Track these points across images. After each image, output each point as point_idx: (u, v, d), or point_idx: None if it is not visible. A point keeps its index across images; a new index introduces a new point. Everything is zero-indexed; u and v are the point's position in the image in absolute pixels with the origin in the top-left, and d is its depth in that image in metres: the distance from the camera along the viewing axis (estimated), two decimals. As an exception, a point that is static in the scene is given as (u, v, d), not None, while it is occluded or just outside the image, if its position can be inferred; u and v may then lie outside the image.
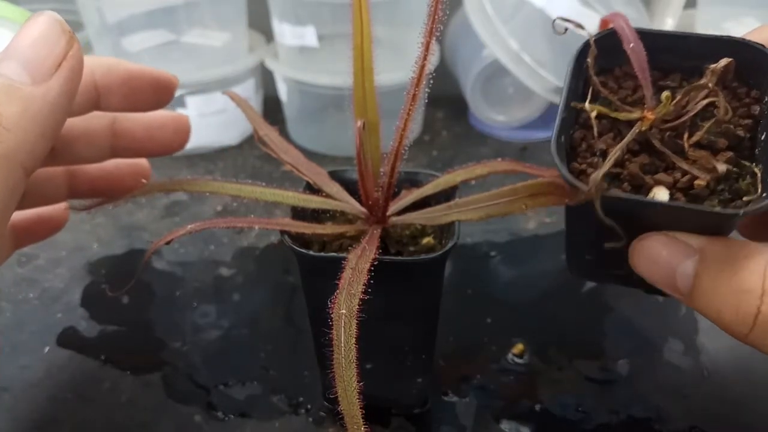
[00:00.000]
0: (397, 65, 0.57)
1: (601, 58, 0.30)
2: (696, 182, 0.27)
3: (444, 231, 0.34)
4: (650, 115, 0.28)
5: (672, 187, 0.27)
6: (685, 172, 0.27)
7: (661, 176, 0.28)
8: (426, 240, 0.34)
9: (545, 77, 0.65)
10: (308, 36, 0.65)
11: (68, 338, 0.45)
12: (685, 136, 0.28)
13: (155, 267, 0.52)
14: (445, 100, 0.76)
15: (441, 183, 0.35)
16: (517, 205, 0.30)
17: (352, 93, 0.32)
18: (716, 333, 0.43)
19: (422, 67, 0.29)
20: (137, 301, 0.48)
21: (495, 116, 0.72)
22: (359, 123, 0.29)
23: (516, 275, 0.51)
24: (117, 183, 0.40)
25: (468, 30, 0.66)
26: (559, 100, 0.30)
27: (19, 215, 0.39)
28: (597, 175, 0.26)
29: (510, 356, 0.43)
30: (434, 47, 0.30)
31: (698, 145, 0.28)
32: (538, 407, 0.39)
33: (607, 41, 0.30)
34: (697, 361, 0.42)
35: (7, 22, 0.55)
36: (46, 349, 0.44)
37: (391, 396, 0.38)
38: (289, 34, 0.65)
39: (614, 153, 0.27)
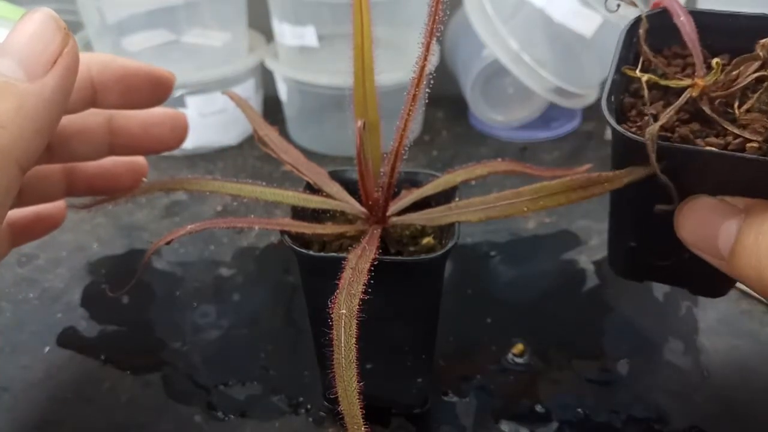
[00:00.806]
0: (398, 65, 0.57)
1: (651, 38, 0.30)
2: (748, 145, 0.26)
3: (444, 231, 0.34)
4: (701, 82, 0.28)
5: (723, 149, 0.27)
6: (736, 136, 0.27)
7: (711, 140, 0.27)
8: (426, 240, 0.34)
9: (545, 77, 0.65)
10: (308, 36, 0.65)
11: (68, 338, 0.45)
12: (736, 104, 0.28)
13: (155, 267, 0.52)
14: (445, 100, 0.76)
15: (441, 183, 0.35)
16: (517, 207, 0.30)
17: (352, 93, 0.32)
18: (716, 333, 0.44)
19: (422, 67, 0.29)
20: (137, 301, 0.48)
21: (495, 116, 0.72)
22: (359, 123, 0.29)
23: (516, 275, 0.51)
24: (114, 181, 0.40)
25: (468, 30, 0.66)
26: (608, 70, 0.30)
27: (16, 213, 0.39)
28: (654, 127, 0.26)
29: (510, 356, 0.43)
30: (435, 47, 0.29)
31: (749, 113, 0.28)
32: (538, 407, 0.39)
33: (657, 21, 0.30)
34: (697, 361, 0.42)
35: (7, 22, 0.55)
36: (46, 349, 0.44)
37: (391, 396, 0.38)
38: (289, 34, 0.65)
39: (669, 110, 0.27)
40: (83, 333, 0.45)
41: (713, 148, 0.27)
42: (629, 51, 0.31)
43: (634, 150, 0.27)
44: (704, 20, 0.30)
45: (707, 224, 0.27)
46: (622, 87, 0.31)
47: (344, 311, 0.25)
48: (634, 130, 0.28)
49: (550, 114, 0.72)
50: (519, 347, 0.43)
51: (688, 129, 0.28)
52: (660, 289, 0.48)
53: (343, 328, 0.24)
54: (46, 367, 0.42)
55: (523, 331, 0.44)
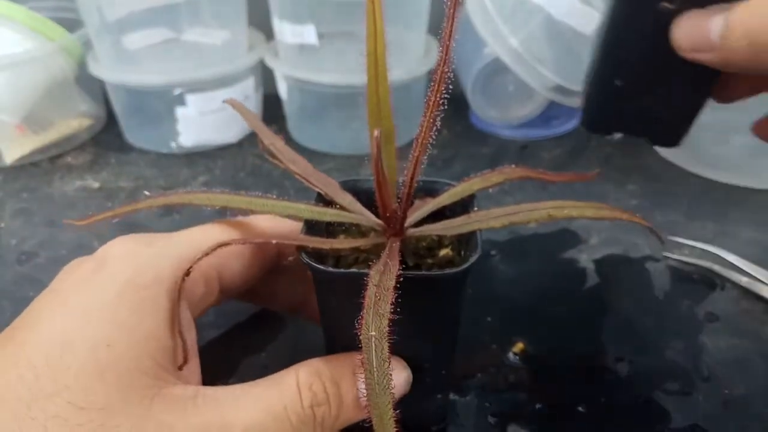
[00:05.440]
0: (396, 64, 0.57)
1: None
2: None
3: (462, 242, 0.33)
4: None
5: None
6: None
7: None
8: (444, 252, 0.33)
9: (546, 75, 0.65)
10: (308, 34, 0.64)
11: (73, 340, 0.45)
12: None
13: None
14: (445, 99, 0.76)
15: (457, 192, 0.34)
16: (539, 213, 0.30)
17: (365, 98, 0.31)
18: (716, 332, 0.44)
19: (442, 72, 0.28)
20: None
21: (495, 114, 0.72)
22: (376, 133, 0.27)
23: (516, 274, 0.51)
24: None
25: (468, 28, 0.66)
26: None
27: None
28: None
29: (510, 355, 0.43)
30: (451, 49, 0.28)
31: None
32: (538, 407, 0.39)
33: None
34: (697, 361, 0.42)
35: (8, 21, 0.55)
36: (51, 350, 0.44)
37: (409, 415, 0.35)
38: (289, 32, 0.65)
39: None
40: (88, 334, 0.45)
41: None
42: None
43: None
44: None
45: (699, 24, 0.35)
46: None
47: (374, 333, 0.23)
48: None
49: (551, 112, 0.72)
50: (519, 346, 0.43)
51: None
52: (660, 289, 0.49)
53: (374, 351, 0.22)
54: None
55: (524, 331, 0.45)
